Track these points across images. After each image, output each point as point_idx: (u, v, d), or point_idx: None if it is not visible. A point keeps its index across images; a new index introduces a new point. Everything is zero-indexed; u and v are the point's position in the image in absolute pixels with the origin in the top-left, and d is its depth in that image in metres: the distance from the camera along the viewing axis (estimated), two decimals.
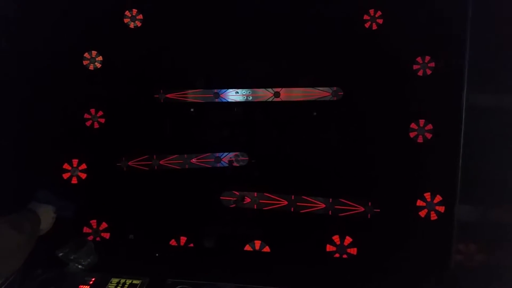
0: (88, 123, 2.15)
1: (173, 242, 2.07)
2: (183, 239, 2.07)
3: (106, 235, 2.11)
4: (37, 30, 2.06)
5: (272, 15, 2.04)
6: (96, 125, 2.15)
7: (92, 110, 2.15)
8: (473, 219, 1.77)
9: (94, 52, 2.17)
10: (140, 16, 2.17)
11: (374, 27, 2.00)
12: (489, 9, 1.69)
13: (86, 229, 2.10)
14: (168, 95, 2.15)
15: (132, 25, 2.17)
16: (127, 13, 2.17)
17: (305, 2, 2.04)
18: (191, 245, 2.07)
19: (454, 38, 1.85)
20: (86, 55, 2.16)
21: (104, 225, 2.11)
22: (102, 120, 2.16)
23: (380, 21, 1.99)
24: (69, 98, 2.13)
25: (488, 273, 1.52)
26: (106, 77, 2.15)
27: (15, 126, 1.94)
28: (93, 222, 2.11)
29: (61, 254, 1.68)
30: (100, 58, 2.17)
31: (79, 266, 1.69)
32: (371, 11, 2.00)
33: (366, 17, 2.00)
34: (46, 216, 1.48)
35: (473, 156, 1.77)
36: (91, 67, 2.17)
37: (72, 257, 1.68)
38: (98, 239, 2.09)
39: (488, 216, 1.62)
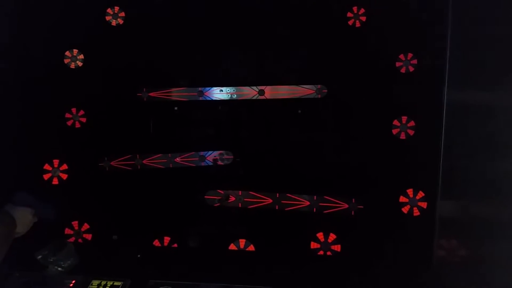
0: (69, 123, 2.11)
1: (156, 243, 2.05)
2: (166, 239, 2.05)
3: (88, 237, 2.08)
4: (16, 27, 2.02)
5: (256, 13, 2.03)
6: (77, 125, 2.11)
7: (73, 109, 2.11)
8: (455, 215, 1.78)
9: (75, 51, 2.13)
10: (122, 14, 2.14)
11: (358, 24, 2.00)
12: (469, 7, 1.70)
13: (67, 231, 2.07)
14: (152, 94, 2.12)
15: (114, 23, 2.14)
16: (109, 10, 2.13)
17: (288, 0, 2.03)
18: (175, 245, 2.05)
19: (436, 35, 1.87)
20: (67, 53, 2.12)
21: (86, 226, 2.08)
22: (84, 120, 2.12)
23: (363, 18, 1.99)
24: (49, 97, 2.09)
25: (470, 269, 1.54)
26: (87, 75, 2.11)
27: None
28: (75, 224, 2.08)
29: (40, 257, 1.64)
30: (81, 56, 2.13)
31: (59, 269, 1.65)
32: (354, 9, 2.00)
33: (349, 14, 2.01)
34: (23, 219, 1.43)
35: (454, 153, 1.78)
36: (72, 65, 2.13)
37: (51, 260, 1.64)
38: (80, 240, 2.06)
39: (470, 212, 1.63)
